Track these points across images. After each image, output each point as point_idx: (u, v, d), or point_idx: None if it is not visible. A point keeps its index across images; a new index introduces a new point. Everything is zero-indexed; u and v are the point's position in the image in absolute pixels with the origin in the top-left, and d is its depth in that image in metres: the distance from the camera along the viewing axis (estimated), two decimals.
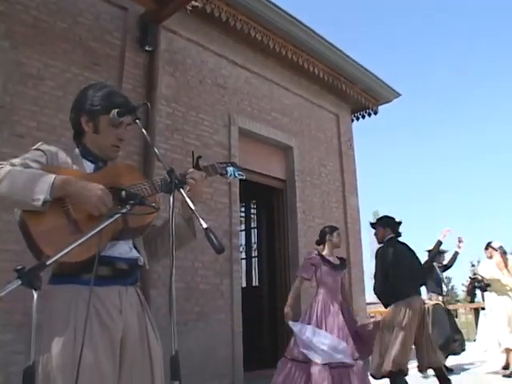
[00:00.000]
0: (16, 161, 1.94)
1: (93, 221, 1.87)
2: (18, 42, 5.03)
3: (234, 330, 6.42)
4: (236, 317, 6.49)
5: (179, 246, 1.90)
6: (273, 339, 8.03)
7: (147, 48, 6.04)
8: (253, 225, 9.78)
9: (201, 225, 1.69)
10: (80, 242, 1.63)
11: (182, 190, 1.82)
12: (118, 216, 1.78)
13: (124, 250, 2.02)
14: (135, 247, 2.11)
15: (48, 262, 1.53)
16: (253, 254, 9.52)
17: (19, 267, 1.45)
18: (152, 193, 2.03)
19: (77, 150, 2.11)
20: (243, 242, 9.56)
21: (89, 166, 2.11)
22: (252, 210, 9.85)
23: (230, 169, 2.22)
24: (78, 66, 5.43)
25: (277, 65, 8.15)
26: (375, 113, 10.14)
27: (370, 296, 8.96)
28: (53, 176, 1.85)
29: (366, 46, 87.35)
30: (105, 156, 2.13)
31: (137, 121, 2.00)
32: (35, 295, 1.47)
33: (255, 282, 9.36)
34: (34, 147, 2.06)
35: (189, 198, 1.83)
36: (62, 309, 1.84)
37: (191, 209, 1.78)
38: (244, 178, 2.33)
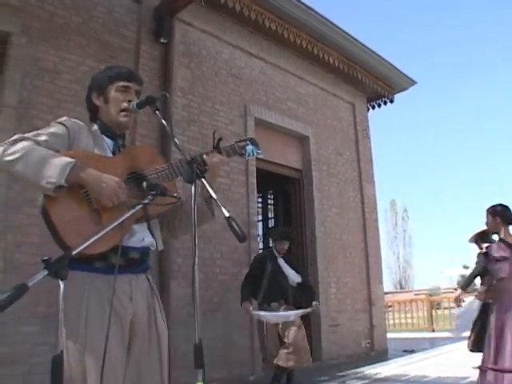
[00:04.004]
0: (40, 137, 1.95)
1: (114, 211, 1.89)
2: (34, 37, 5.06)
3: (253, 319, 6.45)
4: (254, 306, 6.52)
5: (198, 225, 1.90)
6: None
7: (162, 40, 6.05)
8: (270, 215, 9.79)
9: (223, 213, 1.70)
10: (103, 232, 1.65)
11: (203, 180, 1.84)
12: (140, 207, 1.80)
13: (138, 238, 2.03)
14: (149, 229, 2.12)
15: (74, 253, 1.55)
16: (270, 244, 9.54)
17: (46, 258, 1.47)
18: (172, 177, 2.06)
19: (95, 126, 2.16)
20: (260, 232, 9.58)
21: (108, 144, 2.15)
22: (269, 200, 9.87)
23: (249, 148, 2.21)
24: (93, 59, 5.45)
25: (292, 54, 8.13)
26: (391, 101, 10.06)
27: (387, 285, 8.99)
28: (72, 162, 1.86)
29: (380, 34, 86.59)
30: (116, 125, 2.17)
31: (156, 112, 2.03)
32: (62, 285, 1.50)
33: None
34: (58, 121, 2.09)
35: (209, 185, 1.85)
36: (73, 295, 1.85)
37: (213, 198, 1.78)
38: (261, 155, 2.33)
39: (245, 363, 6.29)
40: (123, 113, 2.15)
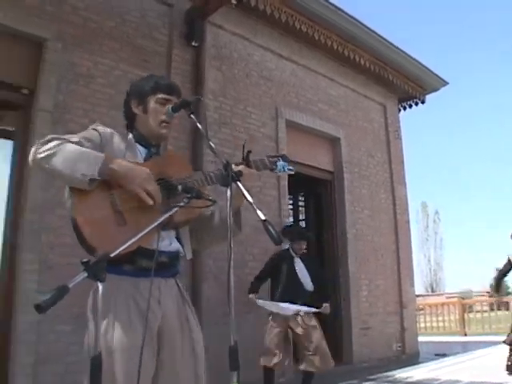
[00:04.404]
0: (72, 138, 1.99)
1: (137, 213, 1.93)
2: (69, 42, 5.16)
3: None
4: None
5: (223, 239, 1.91)
6: (330, 335, 7.96)
7: (194, 43, 6.10)
8: (301, 217, 9.77)
9: (258, 216, 1.70)
10: (143, 234, 1.68)
11: (238, 183, 1.85)
12: (175, 210, 1.82)
13: (165, 243, 2.04)
14: (178, 238, 2.14)
15: (112, 255, 1.57)
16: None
17: (85, 260, 1.50)
18: (203, 184, 2.06)
19: (130, 135, 2.19)
20: None
21: (141, 152, 2.18)
22: (300, 202, 9.84)
23: (280, 163, 2.18)
24: (126, 63, 5.52)
25: (322, 56, 8.10)
26: (422, 102, 9.94)
27: (418, 288, 8.89)
28: (102, 155, 1.92)
29: (411, 35, 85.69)
30: (155, 136, 2.20)
31: (191, 115, 2.05)
32: (100, 287, 1.53)
33: None
34: (91, 127, 2.14)
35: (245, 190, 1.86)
36: (103, 297, 1.88)
37: (249, 201, 1.79)
38: (293, 172, 2.32)
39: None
40: (163, 124, 2.18)
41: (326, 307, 5.61)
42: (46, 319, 4.38)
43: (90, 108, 5.11)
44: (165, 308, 2.00)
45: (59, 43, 5.07)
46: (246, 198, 1.82)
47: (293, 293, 5.45)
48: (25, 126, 4.86)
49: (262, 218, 1.69)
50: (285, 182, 6.98)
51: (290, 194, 7.81)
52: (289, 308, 5.34)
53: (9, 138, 5.04)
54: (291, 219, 9.48)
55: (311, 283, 5.55)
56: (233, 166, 2.04)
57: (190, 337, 2.04)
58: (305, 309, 5.41)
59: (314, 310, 5.51)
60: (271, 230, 1.68)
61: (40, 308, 1.37)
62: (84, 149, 1.95)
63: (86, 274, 1.48)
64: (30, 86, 4.94)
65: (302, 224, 9.60)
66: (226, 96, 6.47)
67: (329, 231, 8.15)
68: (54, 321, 4.44)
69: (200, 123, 2.04)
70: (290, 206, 9.44)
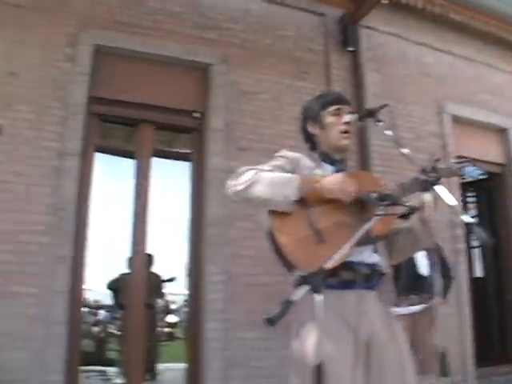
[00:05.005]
0: (263, 167, 2.12)
1: (334, 230, 1.99)
2: (232, 63, 5.44)
3: (462, 325, 6.15)
4: (463, 312, 6.23)
5: (412, 251, 1.88)
6: (502, 334, 7.56)
7: (349, 49, 6.11)
8: (472, 213, 9.31)
9: (463, 220, 1.68)
10: (349, 245, 1.74)
11: (438, 187, 1.82)
12: (375, 219, 1.84)
13: (365, 255, 2.07)
14: (375, 252, 2.14)
15: (328, 266, 1.65)
16: (473, 245, 9.06)
17: (304, 274, 1.60)
18: (398, 195, 2.05)
19: (316, 155, 2.25)
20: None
21: (328, 169, 2.23)
22: (470, 199, 9.39)
23: (468, 169, 2.10)
24: (287, 76, 5.68)
25: (481, 43, 7.66)
26: None
27: None
28: (297, 176, 2.03)
29: None
30: (338, 149, 2.25)
31: (379, 123, 2.07)
32: (317, 298, 1.61)
33: (476, 274, 8.87)
34: (278, 154, 2.24)
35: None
36: (310, 310, 1.93)
37: (451, 205, 1.76)
38: (484, 176, 2.22)
39: (455, 371, 6.01)
40: (344, 135, 2.22)
41: (435, 302, 5.17)
42: (231, 327, 4.64)
43: (256, 123, 5.33)
44: (371, 320, 2.02)
45: (223, 66, 5.38)
46: (446, 202, 1.79)
47: (415, 281, 5.21)
48: (199, 146, 5.22)
49: (469, 220, 1.66)
50: (455, 178, 6.67)
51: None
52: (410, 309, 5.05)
53: (186, 160, 5.43)
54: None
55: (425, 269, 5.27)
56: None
57: (397, 349, 2.04)
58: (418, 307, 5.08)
59: (424, 306, 5.11)
60: (479, 231, 1.65)
61: (271, 321, 1.48)
62: (278, 174, 2.07)
63: (308, 287, 1.57)
64: (200, 109, 5.30)
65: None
66: (386, 97, 6.36)
67: (504, 227, 7.68)
68: (237, 328, 4.69)
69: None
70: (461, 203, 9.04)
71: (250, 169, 2.09)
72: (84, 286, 4.87)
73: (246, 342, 4.70)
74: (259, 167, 2.11)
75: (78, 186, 4.60)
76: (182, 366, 5.33)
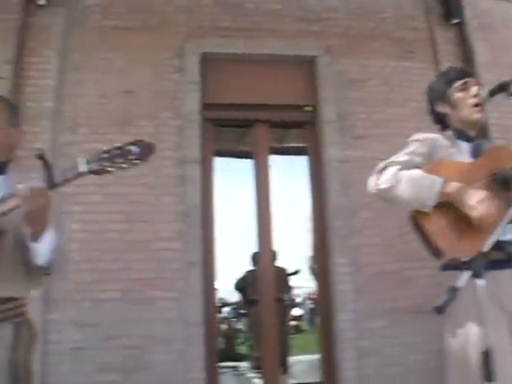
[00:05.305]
0: (399, 158, 2.10)
1: (480, 210, 1.93)
2: (335, 53, 5.41)
3: None
4: None
5: None
6: None
7: (454, 21, 5.89)
8: None
9: None
10: (502, 226, 1.70)
11: None
12: None
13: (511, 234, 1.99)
14: None
15: (483, 250, 1.64)
16: None
17: (466, 259, 1.66)
18: None
19: (450, 133, 2.20)
20: None
21: (465, 147, 2.19)
22: None
23: None
24: (391, 58, 5.56)
25: None
26: None
27: None
28: (440, 180, 1.99)
29: None
30: (471, 124, 2.21)
31: None
32: (478, 283, 1.60)
33: None
34: (412, 138, 2.21)
35: None
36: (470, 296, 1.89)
37: None
38: None
39: None
40: (476, 108, 2.16)
41: None
42: (361, 317, 4.63)
43: (368, 110, 5.26)
44: None
45: (328, 57, 5.36)
46: None
47: None
48: (314, 139, 5.23)
49: None
50: None
51: None
52: None
53: (300, 154, 5.46)
54: None
55: None
56: None
57: None
58: None
59: None
60: None
61: (439, 309, 1.48)
62: (417, 175, 2.06)
63: (470, 273, 1.56)
64: (311, 102, 5.31)
65: None
66: (497, 66, 6.10)
67: None
68: (367, 318, 4.68)
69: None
70: None
71: (390, 164, 2.10)
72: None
73: (377, 331, 4.68)
74: (395, 159, 2.10)
75: (201, 191, 4.78)
76: (311, 357, 5.37)
